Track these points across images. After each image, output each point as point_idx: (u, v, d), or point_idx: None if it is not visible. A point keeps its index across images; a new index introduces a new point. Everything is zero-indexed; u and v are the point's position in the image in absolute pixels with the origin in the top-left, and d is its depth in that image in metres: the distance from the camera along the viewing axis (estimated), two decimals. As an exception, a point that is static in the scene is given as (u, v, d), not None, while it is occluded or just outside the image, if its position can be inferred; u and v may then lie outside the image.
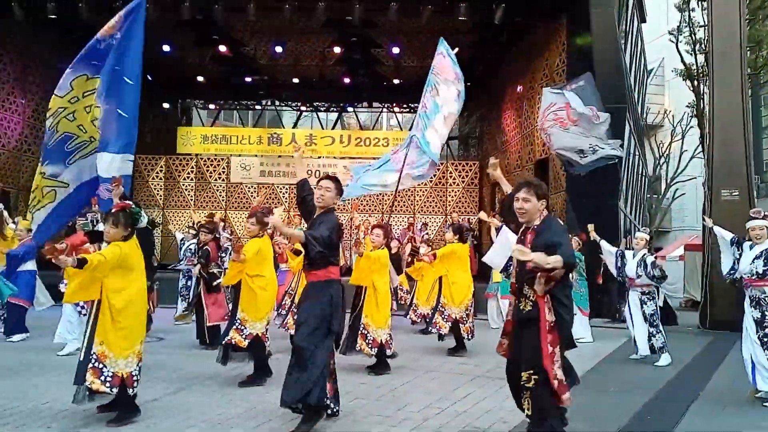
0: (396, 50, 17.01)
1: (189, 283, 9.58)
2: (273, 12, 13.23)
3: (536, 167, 14.13)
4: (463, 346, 7.80)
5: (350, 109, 22.82)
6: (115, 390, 4.48)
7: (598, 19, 11.70)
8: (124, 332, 4.54)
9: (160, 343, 8.00)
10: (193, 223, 10.74)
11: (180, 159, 18.96)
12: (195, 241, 9.37)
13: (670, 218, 26.61)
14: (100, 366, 4.44)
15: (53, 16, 12.68)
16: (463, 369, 6.88)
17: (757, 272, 5.82)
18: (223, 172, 18.78)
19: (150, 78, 17.05)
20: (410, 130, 7.24)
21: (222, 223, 14.08)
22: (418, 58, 18.19)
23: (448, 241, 8.15)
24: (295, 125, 23.66)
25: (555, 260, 3.58)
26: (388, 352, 6.67)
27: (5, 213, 8.32)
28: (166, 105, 20.75)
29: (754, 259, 5.88)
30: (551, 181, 13.20)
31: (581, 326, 8.68)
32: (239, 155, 19.18)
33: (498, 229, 6.43)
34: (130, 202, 4.88)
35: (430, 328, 7.93)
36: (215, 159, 19.04)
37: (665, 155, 23.13)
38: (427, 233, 14.96)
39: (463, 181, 18.62)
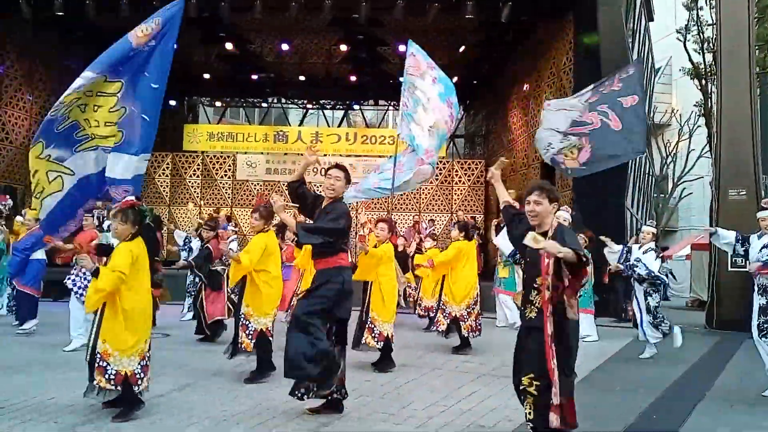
0: (402, 48, 16.93)
1: (197, 279, 9.60)
2: (279, 10, 13.22)
3: (542, 166, 14.06)
4: (468, 343, 7.78)
5: (356, 107, 22.82)
6: (119, 388, 4.51)
7: (605, 17, 11.64)
8: (130, 331, 4.57)
9: (165, 340, 8.03)
10: (198, 226, 10.77)
11: (186, 156, 19.00)
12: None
13: (677, 218, 26.47)
14: (104, 364, 4.49)
15: (60, 14, 12.70)
16: (467, 367, 6.87)
17: (765, 261, 5.96)
18: (230, 169, 18.81)
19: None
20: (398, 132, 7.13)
21: (229, 221, 14.10)
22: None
23: (453, 238, 8.14)
24: (301, 123, 23.67)
25: (567, 251, 3.53)
26: (393, 345, 6.69)
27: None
28: (172, 102, 20.79)
29: (761, 248, 6.03)
30: (557, 180, 13.15)
31: (587, 325, 8.65)
32: (245, 153, 19.19)
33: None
34: (133, 199, 4.92)
35: (433, 326, 7.92)
36: (221, 156, 19.07)
37: (672, 154, 23.02)
38: (433, 228, 14.95)
39: (468, 180, 18.60)
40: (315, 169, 18.11)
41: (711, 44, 17.89)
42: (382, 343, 6.55)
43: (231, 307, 7.99)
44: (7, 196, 6.36)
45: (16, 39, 14.52)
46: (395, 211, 17.88)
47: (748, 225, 7.21)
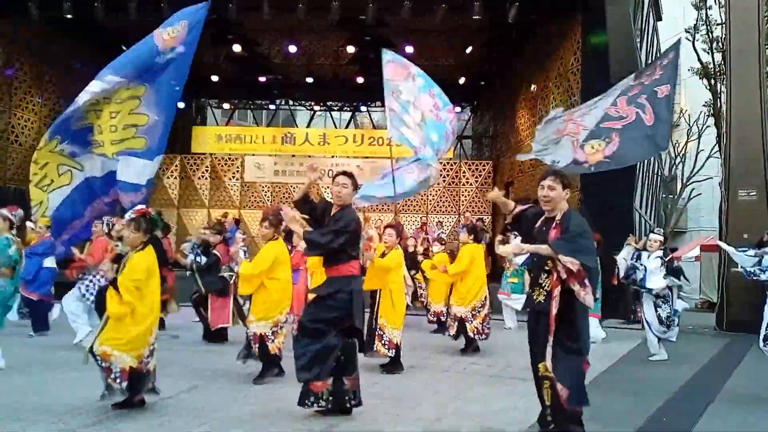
0: (409, 49, 16.97)
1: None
2: (287, 11, 13.25)
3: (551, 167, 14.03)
4: (473, 344, 7.75)
5: (363, 108, 22.83)
6: (124, 384, 4.60)
7: (613, 17, 11.58)
8: (135, 333, 4.67)
9: (174, 341, 8.04)
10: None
11: (195, 158, 19.06)
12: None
13: (686, 218, 26.32)
14: (107, 365, 4.59)
15: (69, 16, 12.78)
16: (475, 369, 6.85)
17: None
18: (238, 171, 18.85)
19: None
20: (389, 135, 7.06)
21: (237, 224, 14.13)
22: (431, 58, 18.16)
23: (462, 241, 8.11)
24: (308, 125, 23.71)
25: (544, 250, 3.75)
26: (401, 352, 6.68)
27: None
28: (181, 104, 20.84)
29: None
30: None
31: (593, 327, 8.61)
32: (253, 155, 19.23)
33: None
34: (144, 207, 4.98)
35: (446, 332, 7.90)
36: (229, 158, 19.12)
37: (681, 155, 22.90)
38: (442, 231, 14.92)
39: (476, 181, 18.56)
40: (323, 172, 18.14)
41: (720, 44, 17.80)
42: (393, 350, 6.54)
43: (237, 313, 8.02)
44: (18, 207, 6.37)
45: (25, 41, 14.62)
46: (402, 212, 17.88)
47: (757, 225, 7.19)
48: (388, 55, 6.78)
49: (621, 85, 8.52)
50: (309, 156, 18.91)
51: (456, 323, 7.68)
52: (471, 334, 7.66)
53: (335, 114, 23.87)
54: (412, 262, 9.45)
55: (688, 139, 22.79)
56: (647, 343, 7.77)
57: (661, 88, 8.29)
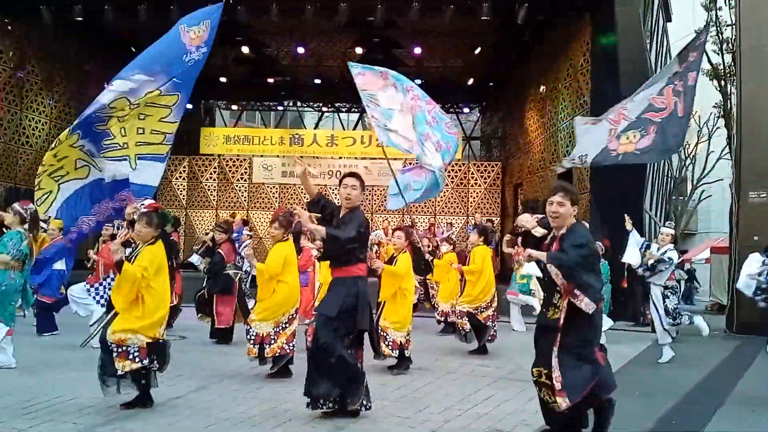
0: (418, 50, 17.00)
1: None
2: (295, 13, 13.29)
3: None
4: (485, 349, 7.74)
5: (372, 109, 22.80)
6: (146, 362, 4.68)
7: (622, 18, 11.54)
8: (148, 322, 4.75)
9: (182, 342, 8.07)
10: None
11: (203, 159, 19.13)
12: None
13: (696, 221, 26.20)
14: (124, 348, 4.63)
15: (79, 19, 12.87)
16: (483, 371, 6.83)
17: None
18: (246, 172, 18.91)
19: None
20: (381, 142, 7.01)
21: (245, 225, 14.16)
22: (440, 59, 18.19)
23: (472, 242, 8.09)
24: (316, 126, 23.76)
25: (542, 256, 3.85)
26: (407, 353, 6.67)
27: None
28: (189, 105, 20.90)
29: None
30: (575, 182, 13.06)
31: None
32: (261, 156, 19.29)
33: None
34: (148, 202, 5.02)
35: (458, 334, 7.87)
36: (237, 159, 19.18)
37: (691, 156, 22.79)
38: (452, 232, 14.89)
39: (485, 182, 18.53)
40: (331, 173, 18.18)
41: (730, 45, 17.69)
42: (397, 350, 6.54)
43: (242, 311, 8.05)
44: (30, 202, 6.41)
45: (36, 44, 14.73)
46: (410, 214, 17.86)
47: (768, 227, 7.14)
48: (356, 69, 6.72)
49: (667, 70, 8.37)
50: (316, 157, 18.94)
51: (464, 319, 7.66)
52: (485, 323, 7.64)
53: (343, 115, 23.89)
54: (425, 264, 9.45)
55: (698, 140, 22.67)
56: (657, 336, 7.69)
57: (692, 74, 8.21)
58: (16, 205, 6.52)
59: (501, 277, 12.14)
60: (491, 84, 20.09)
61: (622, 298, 10.82)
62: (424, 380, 6.22)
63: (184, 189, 18.80)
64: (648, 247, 7.82)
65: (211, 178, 18.91)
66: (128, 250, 5.43)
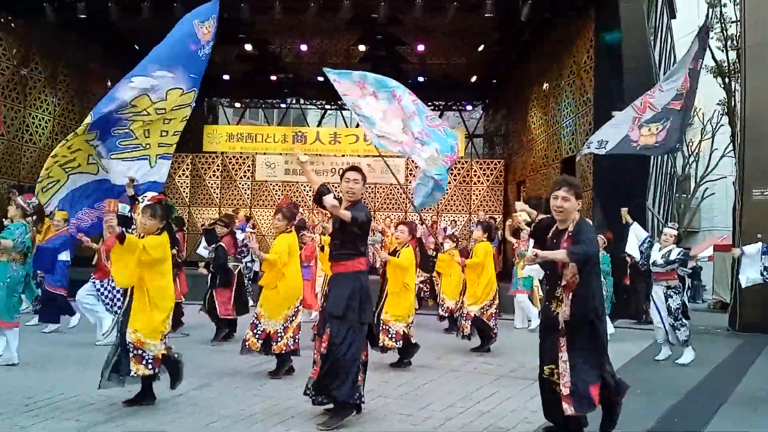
0: (421, 48, 16.97)
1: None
2: (298, 10, 13.29)
3: (562, 166, 13.98)
4: (488, 347, 7.74)
5: (375, 106, 22.78)
6: (157, 370, 4.75)
7: (626, 15, 11.50)
8: (157, 313, 4.79)
9: (184, 339, 8.08)
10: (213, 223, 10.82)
11: (206, 157, 19.14)
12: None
13: (700, 218, 26.17)
14: (140, 352, 4.68)
15: (83, 17, 12.88)
16: (486, 368, 6.83)
17: None
18: (249, 170, 18.91)
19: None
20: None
21: (248, 221, 14.18)
22: (443, 56, 18.16)
23: (476, 239, 8.09)
24: (319, 123, 23.75)
25: (555, 254, 3.76)
26: (413, 339, 6.69)
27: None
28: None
29: None
30: (578, 178, 13.05)
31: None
32: (264, 153, 19.29)
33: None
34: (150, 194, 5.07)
35: (461, 333, 7.87)
36: (241, 157, 19.19)
37: (695, 154, 22.75)
38: (455, 230, 14.87)
39: (487, 180, 18.51)
40: (333, 170, 18.18)
41: (734, 42, 17.63)
42: (401, 341, 6.56)
43: (240, 304, 8.07)
44: (33, 196, 6.43)
45: (40, 41, 14.75)
46: (412, 211, 17.85)
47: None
48: (331, 75, 6.69)
49: (690, 53, 8.31)
50: (319, 155, 18.94)
51: (469, 323, 7.66)
52: (488, 322, 7.65)
53: (346, 113, 23.86)
54: (431, 262, 9.47)
55: (702, 137, 22.62)
56: (658, 338, 7.67)
57: (698, 63, 8.24)
58: (18, 199, 6.58)
59: (503, 275, 12.14)
60: (494, 81, 20.05)
61: (625, 296, 10.81)
62: (426, 378, 6.23)
63: (187, 187, 18.81)
64: (651, 245, 7.78)
65: (214, 175, 18.92)
66: None
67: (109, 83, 17.23)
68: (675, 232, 7.77)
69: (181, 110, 5.83)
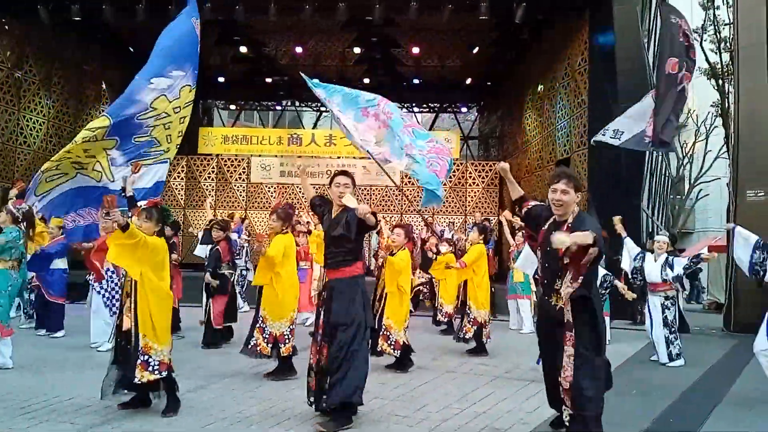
0: (416, 50, 17.00)
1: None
2: (294, 12, 13.29)
3: (557, 167, 14.02)
4: (484, 348, 7.75)
5: (370, 109, 22.81)
6: (164, 373, 4.70)
7: (620, 16, 11.55)
8: (164, 323, 4.79)
9: (181, 341, 8.06)
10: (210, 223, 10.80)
11: (201, 159, 19.12)
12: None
13: (694, 219, 26.21)
14: (146, 358, 4.65)
15: (78, 18, 12.85)
16: (482, 370, 6.84)
17: None
18: (244, 172, 18.90)
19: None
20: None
21: (244, 223, 14.18)
22: (438, 58, 18.19)
23: (472, 240, 8.09)
24: (315, 126, 23.74)
25: (585, 235, 3.54)
26: (412, 355, 6.70)
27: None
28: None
29: None
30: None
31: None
32: (259, 155, 19.28)
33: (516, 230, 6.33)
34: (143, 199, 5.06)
35: (461, 334, 7.86)
36: (236, 159, 19.18)
37: (689, 155, 22.81)
38: (452, 232, 14.87)
39: (483, 181, 18.54)
40: (329, 173, 18.16)
41: (728, 44, 17.70)
42: (399, 351, 6.56)
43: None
44: (23, 202, 6.41)
45: (34, 43, 14.70)
46: (408, 213, 17.88)
47: (766, 226, 7.14)
48: (309, 82, 6.73)
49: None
50: (314, 157, 18.93)
51: (474, 327, 7.65)
52: (485, 340, 7.66)
53: (342, 115, 23.87)
54: (429, 262, 9.47)
55: (695, 139, 22.69)
56: (657, 344, 7.69)
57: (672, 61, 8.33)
58: (8, 205, 6.53)
59: (498, 276, 12.17)
60: (489, 83, 20.10)
61: (620, 298, 10.82)
62: (423, 379, 6.23)
63: (182, 189, 18.78)
64: (643, 257, 7.76)
65: (209, 178, 18.90)
66: None
67: (103, 85, 17.22)
68: (667, 240, 7.77)
69: (188, 107, 5.86)
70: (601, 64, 11.80)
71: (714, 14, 19.07)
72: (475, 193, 18.50)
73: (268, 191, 18.77)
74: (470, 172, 18.68)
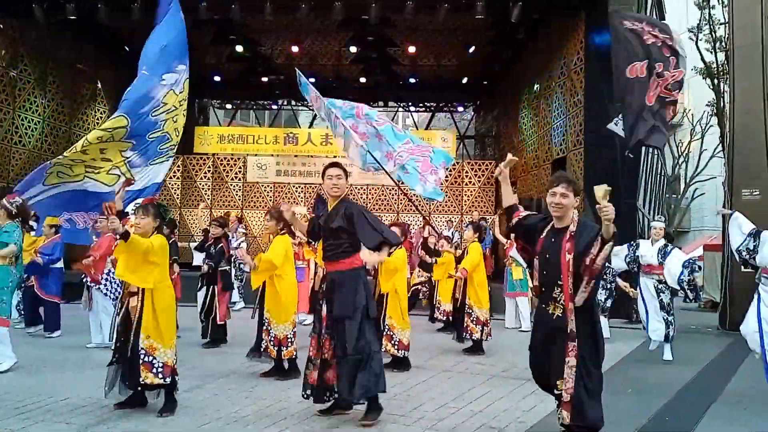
0: (412, 49, 17.00)
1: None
2: (290, 11, 13.27)
3: (553, 167, 14.04)
4: (481, 347, 7.76)
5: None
6: (168, 380, 4.68)
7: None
8: (169, 322, 4.80)
9: (176, 341, 8.04)
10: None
11: (197, 158, 19.08)
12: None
13: (689, 218, 26.30)
14: (151, 359, 4.62)
15: (73, 17, 12.81)
16: (478, 369, 6.85)
17: None
18: (240, 171, 18.87)
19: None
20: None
21: (239, 223, 14.15)
22: (434, 57, 18.19)
23: (467, 239, 8.09)
24: (311, 125, 23.72)
25: (611, 227, 3.58)
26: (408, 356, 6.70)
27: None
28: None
29: None
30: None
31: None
32: (255, 155, 19.25)
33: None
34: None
35: (465, 334, 7.81)
36: (232, 158, 19.14)
37: (684, 154, 22.89)
38: (452, 230, 14.87)
39: (479, 181, 18.55)
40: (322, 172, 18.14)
41: (723, 43, 17.75)
42: (404, 351, 6.55)
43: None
44: (16, 196, 6.37)
45: (29, 42, 14.64)
46: (405, 212, 17.89)
47: (761, 225, 7.12)
48: (302, 78, 6.78)
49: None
50: (311, 156, 18.92)
51: (479, 327, 7.65)
52: (485, 338, 7.67)
53: (338, 114, 23.87)
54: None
55: (691, 138, 22.77)
56: (648, 330, 7.69)
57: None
58: (3, 201, 6.48)
59: (495, 275, 12.17)
60: (485, 82, 20.11)
61: (615, 296, 10.84)
62: (419, 378, 6.24)
63: (178, 188, 18.74)
64: (637, 245, 7.80)
65: (205, 177, 18.86)
66: None
67: (99, 84, 17.17)
68: (662, 225, 7.83)
69: (186, 100, 5.92)
70: (597, 64, 11.80)
71: (709, 14, 19.12)
72: (471, 192, 18.51)
73: (264, 190, 18.75)
74: (466, 171, 18.68)
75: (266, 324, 6.10)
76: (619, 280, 8.04)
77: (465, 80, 19.59)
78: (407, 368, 6.58)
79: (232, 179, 18.85)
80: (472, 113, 23.66)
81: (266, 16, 13.04)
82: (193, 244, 10.85)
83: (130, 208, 5.50)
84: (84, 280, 7.73)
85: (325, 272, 4.90)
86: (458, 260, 8.29)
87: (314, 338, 4.77)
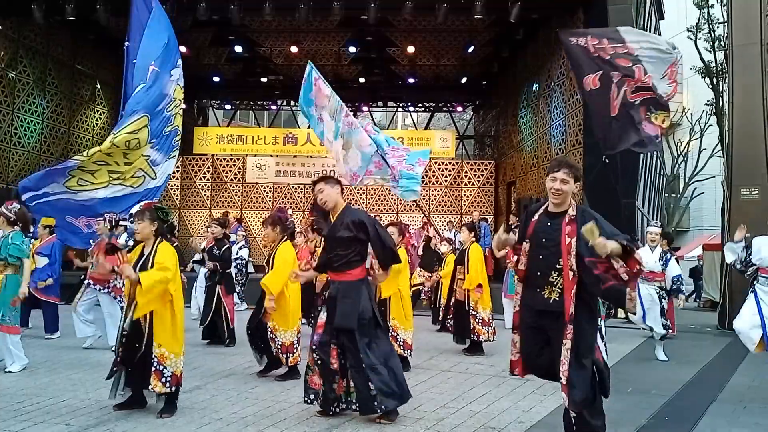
0: (411, 49, 17.00)
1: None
2: (289, 12, 13.27)
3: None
4: (481, 348, 7.76)
5: (365, 108, 22.83)
6: (173, 389, 4.70)
7: (615, 16, 11.55)
8: (180, 330, 4.80)
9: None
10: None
11: (196, 159, 19.09)
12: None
13: (689, 218, 26.33)
14: (161, 368, 4.62)
15: (71, 18, 12.81)
16: (478, 369, 6.85)
17: None
18: (239, 172, 18.88)
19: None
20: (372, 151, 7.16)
21: (239, 225, 14.15)
22: (433, 57, 18.19)
23: (464, 240, 8.08)
24: (310, 125, 23.71)
25: (613, 245, 3.49)
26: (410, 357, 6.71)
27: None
28: (183, 105, 20.92)
29: None
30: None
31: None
32: (255, 155, 19.26)
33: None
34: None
35: (473, 336, 7.79)
36: (231, 159, 19.15)
37: (684, 154, 22.92)
38: (453, 230, 14.87)
39: (478, 181, 18.56)
40: (324, 172, 18.17)
41: (722, 42, 17.78)
42: (408, 351, 6.55)
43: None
44: (13, 202, 6.36)
45: (28, 43, 14.65)
46: (403, 212, 17.89)
47: (760, 224, 7.16)
48: (315, 73, 6.78)
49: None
50: (310, 156, 18.93)
51: (485, 328, 7.64)
52: (491, 338, 7.68)
53: (337, 114, 23.87)
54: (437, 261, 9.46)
55: (690, 138, 22.80)
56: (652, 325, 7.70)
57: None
58: (2, 208, 6.44)
59: (496, 276, 12.16)
60: (484, 82, 20.12)
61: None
62: (418, 378, 6.23)
63: (177, 189, 18.75)
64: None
65: (204, 177, 18.87)
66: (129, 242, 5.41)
67: (98, 85, 17.16)
68: (659, 230, 7.86)
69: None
70: (596, 63, 11.79)
71: (708, 13, 19.16)
72: (470, 192, 18.52)
73: (264, 191, 18.75)
74: (465, 172, 18.69)
75: (270, 333, 6.06)
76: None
77: (464, 80, 19.59)
78: (407, 368, 6.57)
79: (232, 180, 18.86)
80: (471, 113, 23.66)
81: (265, 17, 13.05)
82: (193, 242, 10.85)
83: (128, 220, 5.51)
84: (85, 281, 7.71)
85: (329, 281, 4.90)
86: (458, 261, 8.29)
87: (315, 343, 4.77)
